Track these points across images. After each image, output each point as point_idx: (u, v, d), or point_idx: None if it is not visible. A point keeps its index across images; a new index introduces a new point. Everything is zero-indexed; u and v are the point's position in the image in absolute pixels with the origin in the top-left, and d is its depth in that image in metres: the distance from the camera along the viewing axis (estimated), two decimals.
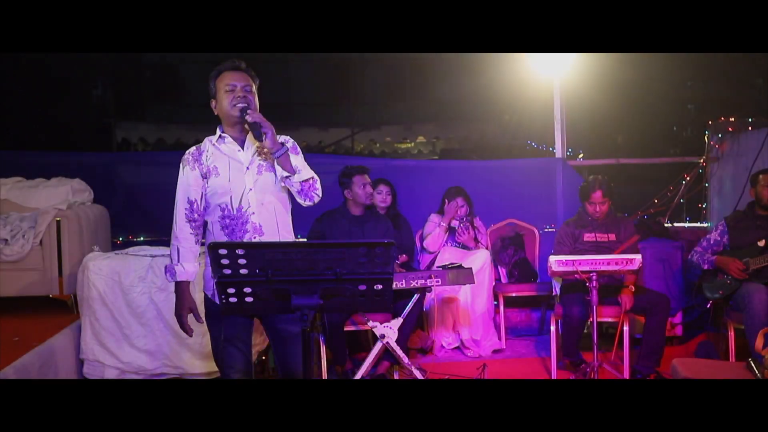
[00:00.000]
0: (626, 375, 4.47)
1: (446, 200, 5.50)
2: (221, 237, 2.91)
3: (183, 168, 2.96)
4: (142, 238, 6.00)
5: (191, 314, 3.00)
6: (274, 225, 2.94)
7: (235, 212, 2.89)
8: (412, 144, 21.02)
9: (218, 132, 2.98)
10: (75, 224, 4.61)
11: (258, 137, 2.80)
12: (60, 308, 4.56)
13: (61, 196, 4.83)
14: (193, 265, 3.00)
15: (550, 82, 6.78)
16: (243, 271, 2.23)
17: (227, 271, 2.24)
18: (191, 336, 3.04)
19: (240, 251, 2.21)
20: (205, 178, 2.92)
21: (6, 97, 10.76)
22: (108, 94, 16.20)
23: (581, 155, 9.05)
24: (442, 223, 5.43)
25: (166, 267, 3.00)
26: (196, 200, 2.94)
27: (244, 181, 2.90)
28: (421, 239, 5.55)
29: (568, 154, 7.03)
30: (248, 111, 2.83)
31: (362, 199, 4.74)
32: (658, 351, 4.56)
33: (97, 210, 5.08)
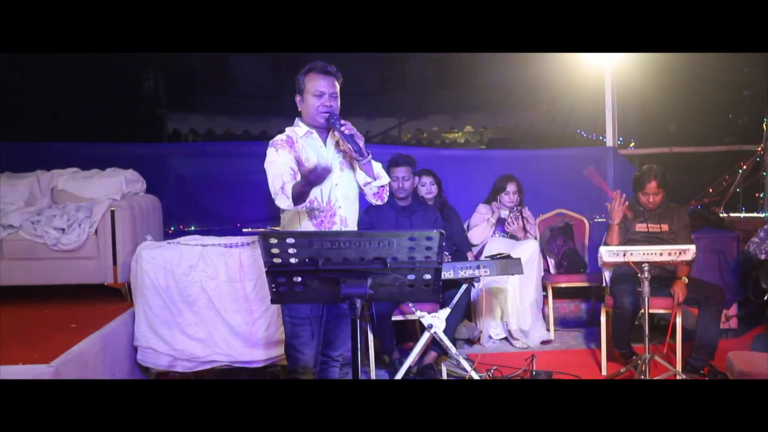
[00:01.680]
0: (679, 368, 4.39)
1: (496, 195, 5.46)
2: (308, 226, 3.08)
3: (277, 150, 3.05)
4: (193, 228, 6.09)
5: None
6: (354, 218, 3.20)
7: (324, 205, 3.09)
8: (460, 133, 20.90)
9: (303, 126, 3.13)
10: (128, 214, 4.70)
11: (357, 150, 2.98)
12: (114, 296, 4.66)
13: (115, 186, 4.92)
14: None
15: (601, 70, 6.67)
16: (293, 260, 2.25)
17: (277, 260, 2.26)
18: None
19: (290, 241, 2.23)
20: (298, 165, 3.05)
21: (62, 90, 11.02)
22: (159, 86, 16.47)
23: (632, 144, 8.89)
24: (490, 219, 5.38)
25: (292, 189, 2.93)
26: (297, 171, 3.01)
27: (331, 176, 3.03)
28: (468, 229, 5.52)
29: (619, 143, 6.91)
30: (342, 123, 2.98)
31: (394, 192, 4.70)
32: (711, 344, 4.46)
33: (149, 200, 5.17)
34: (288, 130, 3.16)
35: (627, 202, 4.61)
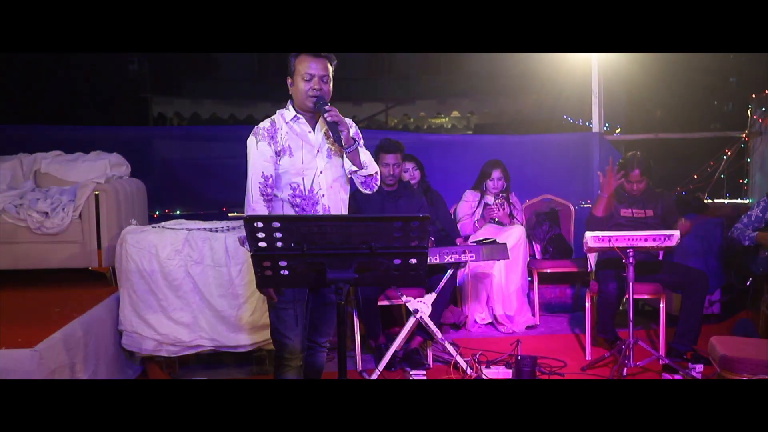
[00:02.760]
0: (662, 353, 4.43)
1: (482, 181, 5.45)
2: (290, 213, 3.01)
3: (257, 143, 2.99)
4: (178, 212, 6.06)
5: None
6: (340, 206, 3.11)
7: (306, 193, 3.00)
8: (447, 119, 20.91)
9: (292, 110, 3.04)
10: (113, 198, 4.67)
11: (336, 139, 2.91)
12: (99, 281, 4.64)
13: (100, 169, 4.89)
14: None
15: (588, 56, 6.67)
16: (278, 244, 2.25)
17: (263, 245, 2.25)
18: (275, 300, 3.02)
19: (276, 225, 2.22)
20: (278, 155, 2.98)
21: (45, 72, 10.91)
22: (144, 69, 16.34)
23: (619, 130, 8.91)
24: (475, 218, 5.38)
25: (244, 239, 2.99)
26: (271, 175, 3.00)
27: (316, 163, 3.01)
28: (455, 216, 5.52)
29: (606, 128, 6.93)
30: (327, 109, 2.90)
31: (383, 178, 4.67)
32: (695, 329, 4.50)
33: (134, 184, 5.14)
34: (277, 114, 3.08)
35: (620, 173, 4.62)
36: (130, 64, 15.84)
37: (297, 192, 3.00)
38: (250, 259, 2.33)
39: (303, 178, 2.99)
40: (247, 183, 3.01)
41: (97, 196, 4.61)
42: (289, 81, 3.05)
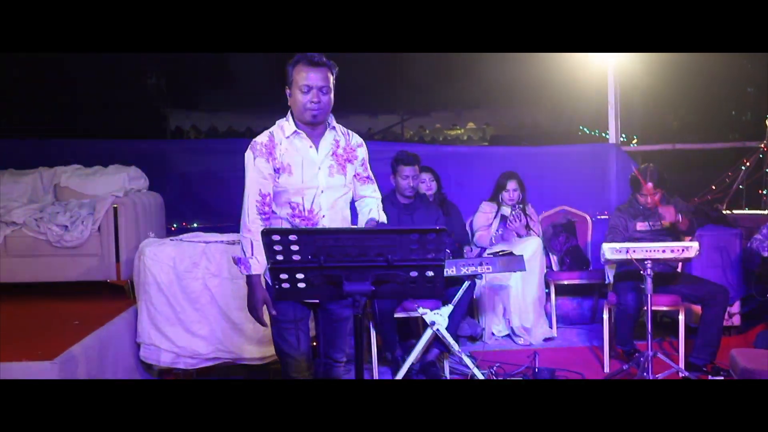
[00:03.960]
0: (681, 366, 4.39)
1: (498, 193, 5.43)
2: None
3: (255, 159, 2.83)
4: (195, 225, 6.09)
5: (265, 305, 2.90)
6: (341, 225, 2.93)
7: (306, 213, 2.86)
8: (462, 130, 20.84)
9: (292, 123, 2.87)
10: (131, 211, 4.71)
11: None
12: (117, 293, 4.67)
13: (118, 183, 4.94)
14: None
15: (604, 66, 6.66)
16: (295, 257, 2.25)
17: (280, 258, 2.25)
18: (266, 327, 2.97)
19: (293, 237, 2.22)
20: (277, 172, 2.84)
21: (64, 87, 11.02)
22: (162, 83, 16.46)
23: (635, 140, 8.88)
24: (492, 230, 5.36)
25: (238, 259, 2.87)
26: (269, 193, 2.85)
27: (317, 182, 2.85)
28: (471, 227, 5.51)
29: (622, 139, 6.91)
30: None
31: (401, 190, 4.69)
32: (714, 343, 4.46)
33: (152, 197, 5.18)
34: (276, 125, 2.90)
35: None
36: (147, 78, 15.98)
37: (296, 212, 2.85)
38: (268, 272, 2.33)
39: (303, 198, 2.84)
40: (244, 201, 2.86)
41: (115, 209, 4.65)
42: (287, 91, 2.87)
